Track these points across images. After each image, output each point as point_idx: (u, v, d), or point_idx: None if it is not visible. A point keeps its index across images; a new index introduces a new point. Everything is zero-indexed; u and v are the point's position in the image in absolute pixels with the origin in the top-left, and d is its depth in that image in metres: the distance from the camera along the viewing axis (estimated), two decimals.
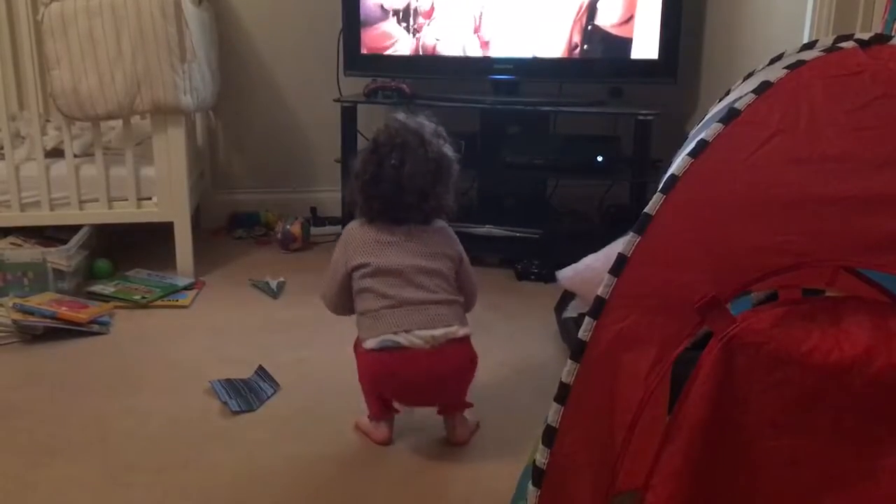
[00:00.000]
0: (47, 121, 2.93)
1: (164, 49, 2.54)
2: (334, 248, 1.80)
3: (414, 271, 1.70)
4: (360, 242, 1.74)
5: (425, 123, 1.76)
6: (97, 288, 2.60)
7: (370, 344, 1.69)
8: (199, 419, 1.89)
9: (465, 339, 1.72)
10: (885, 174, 1.04)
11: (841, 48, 1.21)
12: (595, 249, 2.04)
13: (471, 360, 1.74)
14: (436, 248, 1.74)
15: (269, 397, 1.98)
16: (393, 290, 1.69)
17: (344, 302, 1.78)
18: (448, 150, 1.76)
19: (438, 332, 1.68)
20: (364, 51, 3.02)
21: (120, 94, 2.56)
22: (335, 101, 3.03)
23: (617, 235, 1.57)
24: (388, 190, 1.71)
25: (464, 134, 2.96)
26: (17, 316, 2.29)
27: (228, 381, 2.02)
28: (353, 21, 3.00)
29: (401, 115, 1.78)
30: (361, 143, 3.06)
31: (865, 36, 1.21)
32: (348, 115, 2.98)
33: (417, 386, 1.71)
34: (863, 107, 1.10)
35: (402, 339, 1.66)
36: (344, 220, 3.05)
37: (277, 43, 3.30)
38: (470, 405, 1.81)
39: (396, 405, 1.80)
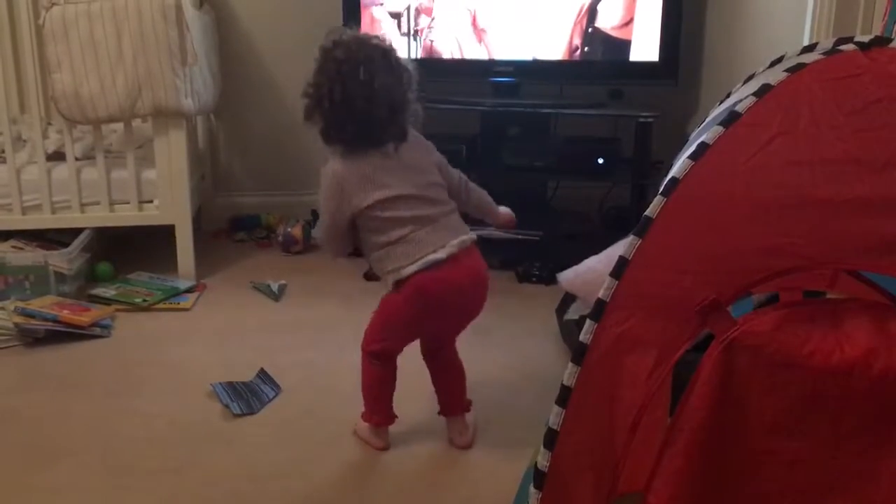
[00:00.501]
0: (49, 124, 2.93)
1: (166, 52, 2.55)
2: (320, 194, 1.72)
3: (421, 187, 1.69)
4: (355, 181, 1.67)
5: (372, 35, 1.72)
6: (98, 291, 2.60)
7: (410, 269, 1.64)
8: (201, 422, 1.89)
9: (475, 243, 1.73)
10: (885, 177, 1.04)
11: (841, 51, 1.21)
12: (596, 251, 2.05)
13: (485, 263, 1.75)
14: (424, 160, 1.73)
15: (270, 400, 1.98)
16: (412, 212, 1.66)
17: (346, 245, 1.75)
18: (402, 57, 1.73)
19: (462, 237, 1.69)
20: None
21: (121, 97, 2.56)
22: None
23: (618, 237, 1.57)
24: (361, 108, 1.63)
25: (464, 136, 2.97)
26: (19, 319, 2.29)
27: (230, 383, 2.02)
28: (353, 24, 3.00)
29: (345, 30, 1.71)
30: None
31: (865, 38, 1.22)
32: None
33: (461, 292, 1.68)
34: (863, 109, 1.10)
35: (442, 253, 1.65)
36: None
37: (278, 45, 3.30)
38: (470, 402, 1.82)
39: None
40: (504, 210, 1.92)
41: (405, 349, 1.79)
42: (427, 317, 1.71)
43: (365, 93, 1.63)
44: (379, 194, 1.66)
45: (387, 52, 1.68)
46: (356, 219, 1.69)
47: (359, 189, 1.66)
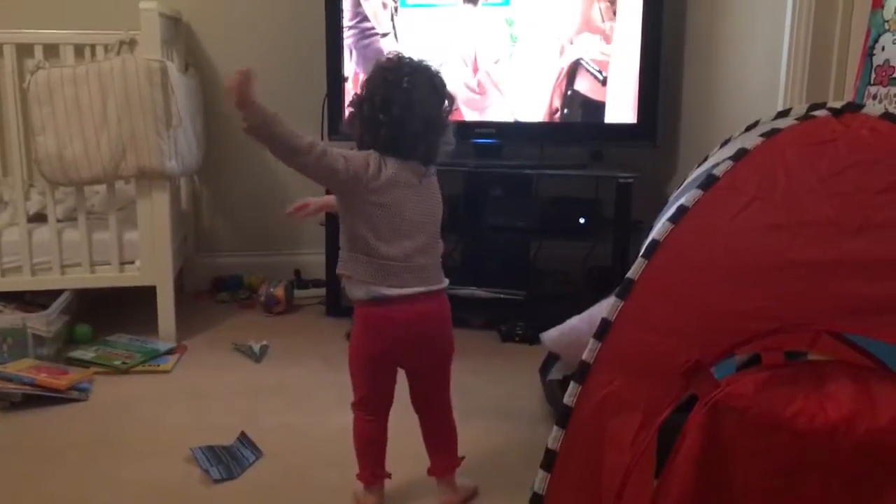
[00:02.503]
0: (31, 186, 2.93)
1: (150, 115, 2.56)
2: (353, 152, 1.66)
3: (424, 216, 1.69)
4: (385, 173, 1.64)
5: (423, 59, 1.72)
6: (77, 353, 2.57)
7: (360, 293, 1.66)
8: (180, 487, 1.85)
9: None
10: (860, 240, 1.06)
11: (814, 116, 1.24)
12: (579, 310, 2.05)
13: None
14: (433, 206, 1.73)
15: (250, 464, 1.95)
16: (402, 234, 1.65)
17: (327, 176, 1.64)
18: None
19: (429, 287, 1.68)
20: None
21: (105, 160, 2.57)
22: None
23: (600, 296, 1.58)
24: (398, 114, 1.63)
25: (447, 197, 2.98)
26: None
27: (210, 447, 1.99)
28: (336, 86, 3.05)
29: (400, 52, 1.74)
30: None
31: (838, 104, 1.25)
32: None
33: (407, 326, 1.67)
34: (837, 173, 1.13)
35: (394, 292, 1.65)
36: (328, 283, 3.06)
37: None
38: (461, 460, 1.79)
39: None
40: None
41: (398, 406, 1.75)
42: (380, 351, 1.70)
43: (404, 101, 1.63)
44: (386, 199, 1.64)
45: (433, 74, 1.70)
46: (351, 191, 1.64)
47: (376, 175, 1.63)
